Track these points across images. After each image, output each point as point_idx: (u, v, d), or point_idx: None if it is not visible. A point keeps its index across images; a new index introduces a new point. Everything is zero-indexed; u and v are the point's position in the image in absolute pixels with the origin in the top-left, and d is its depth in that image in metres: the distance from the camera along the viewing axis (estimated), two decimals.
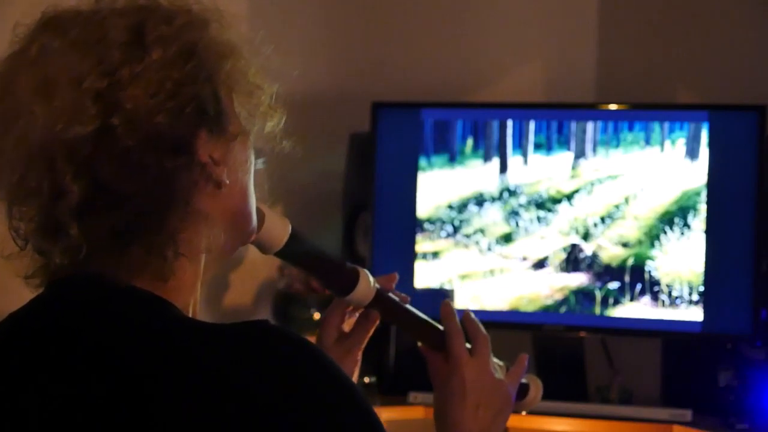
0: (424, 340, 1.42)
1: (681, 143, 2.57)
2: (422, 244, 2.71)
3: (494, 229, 2.68)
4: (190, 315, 1.10)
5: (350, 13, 3.02)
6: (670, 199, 2.57)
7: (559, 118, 2.66)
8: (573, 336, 2.66)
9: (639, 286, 2.58)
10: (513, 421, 1.46)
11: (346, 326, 1.41)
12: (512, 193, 2.67)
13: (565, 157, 2.64)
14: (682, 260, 2.55)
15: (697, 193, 2.55)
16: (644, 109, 2.65)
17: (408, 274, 2.70)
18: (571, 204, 2.64)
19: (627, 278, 2.59)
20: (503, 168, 2.68)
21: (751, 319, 2.49)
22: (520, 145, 2.67)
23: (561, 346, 2.69)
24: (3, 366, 1.05)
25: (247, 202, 1.14)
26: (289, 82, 1.19)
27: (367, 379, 2.57)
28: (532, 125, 2.66)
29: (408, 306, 1.42)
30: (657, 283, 2.57)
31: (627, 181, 2.61)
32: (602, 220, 2.62)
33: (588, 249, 2.63)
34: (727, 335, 2.54)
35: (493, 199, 2.68)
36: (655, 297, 2.57)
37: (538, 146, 2.66)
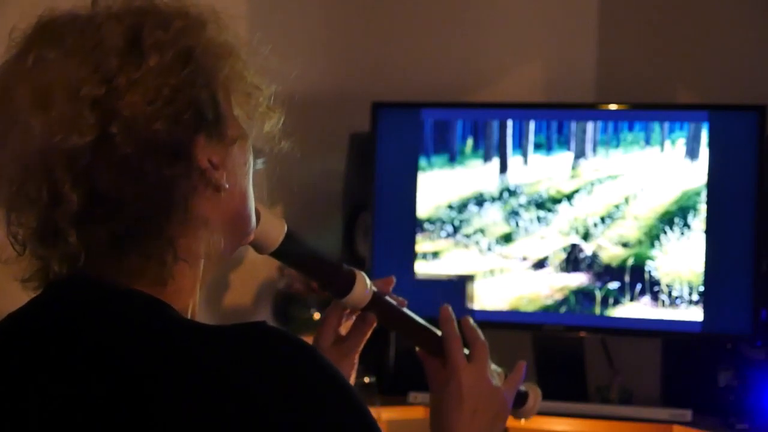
0: (421, 345, 1.41)
1: (681, 143, 2.57)
2: (422, 244, 2.71)
3: (494, 229, 2.68)
4: (189, 317, 1.10)
5: (350, 13, 3.02)
6: (670, 199, 2.57)
7: (559, 118, 2.66)
8: (573, 336, 2.66)
9: (639, 286, 2.58)
10: (512, 421, 1.45)
11: (343, 329, 1.41)
12: (512, 193, 2.67)
13: (565, 157, 2.64)
14: (682, 260, 2.55)
15: (697, 193, 2.55)
16: (644, 109, 2.65)
17: (408, 274, 2.70)
18: (571, 204, 2.64)
19: (627, 278, 2.59)
20: (503, 168, 2.68)
21: (751, 319, 2.49)
22: (520, 145, 2.67)
23: (561, 346, 2.69)
24: (3, 366, 1.05)
25: (247, 204, 1.14)
26: (289, 82, 1.19)
27: (367, 379, 2.57)
28: (532, 125, 2.66)
29: (405, 310, 1.41)
30: (657, 283, 2.57)
31: (627, 181, 2.61)
32: (602, 220, 2.62)
33: (588, 249, 2.63)
34: (727, 335, 2.54)
35: (493, 199, 2.68)
36: (655, 297, 2.57)
37: (538, 146, 2.66)
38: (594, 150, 2.63)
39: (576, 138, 2.64)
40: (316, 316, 2.72)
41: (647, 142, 2.59)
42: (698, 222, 2.54)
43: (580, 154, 2.64)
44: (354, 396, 1.04)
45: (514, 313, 2.66)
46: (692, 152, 2.56)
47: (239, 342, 1.01)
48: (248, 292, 2.88)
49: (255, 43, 1.13)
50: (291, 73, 1.20)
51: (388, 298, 1.40)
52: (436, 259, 2.71)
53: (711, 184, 2.54)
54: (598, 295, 2.61)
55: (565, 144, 2.64)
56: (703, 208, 2.54)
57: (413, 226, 2.72)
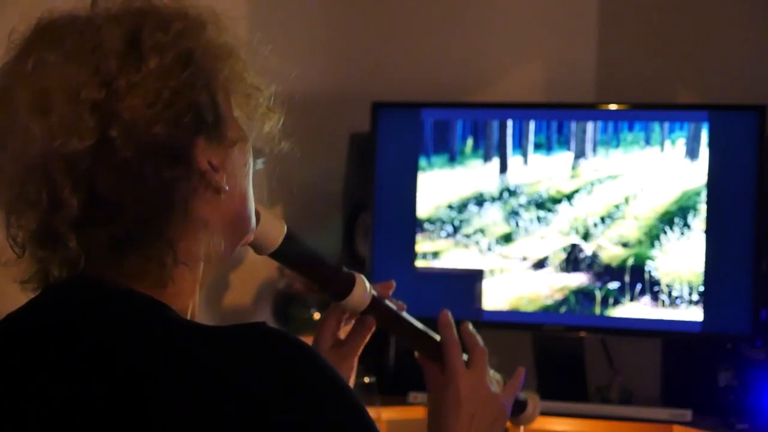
0: (420, 350, 1.41)
1: (681, 143, 2.57)
2: (422, 244, 2.71)
3: (494, 229, 2.68)
4: (189, 318, 1.10)
5: (350, 13, 3.02)
6: (670, 199, 2.57)
7: (559, 118, 2.66)
8: (573, 336, 2.66)
9: (639, 286, 2.58)
10: (512, 428, 1.45)
11: (342, 333, 1.40)
12: (512, 193, 2.67)
13: (565, 157, 2.64)
14: (682, 260, 2.55)
15: (697, 193, 2.55)
16: (644, 109, 2.65)
17: (408, 274, 2.70)
18: (571, 204, 2.64)
19: (627, 278, 2.59)
20: (503, 168, 2.68)
21: (751, 319, 2.49)
22: (520, 145, 2.67)
23: (561, 346, 2.69)
24: (3, 366, 1.05)
25: (247, 205, 1.14)
26: (289, 82, 1.19)
27: (367, 379, 2.57)
28: (532, 125, 2.66)
29: (405, 314, 1.41)
30: (657, 283, 2.57)
31: (627, 181, 2.61)
32: (602, 220, 2.62)
33: (588, 249, 2.63)
34: (727, 335, 2.54)
35: (493, 199, 2.68)
36: (655, 297, 2.57)
37: (538, 146, 2.66)
38: (594, 150, 2.63)
39: (576, 138, 2.64)
40: (316, 316, 2.72)
41: (647, 142, 2.59)
42: (698, 222, 2.54)
43: (580, 154, 2.64)
44: (353, 397, 1.04)
45: (514, 313, 2.66)
46: (692, 152, 2.56)
47: (239, 342, 1.01)
48: (248, 292, 2.88)
49: (255, 44, 1.13)
50: (291, 73, 1.20)
51: (387, 302, 1.39)
52: (436, 259, 2.71)
53: (711, 184, 2.54)
54: (598, 295, 2.61)
55: (565, 144, 2.64)
56: (703, 208, 2.54)
57: (413, 226, 2.72)
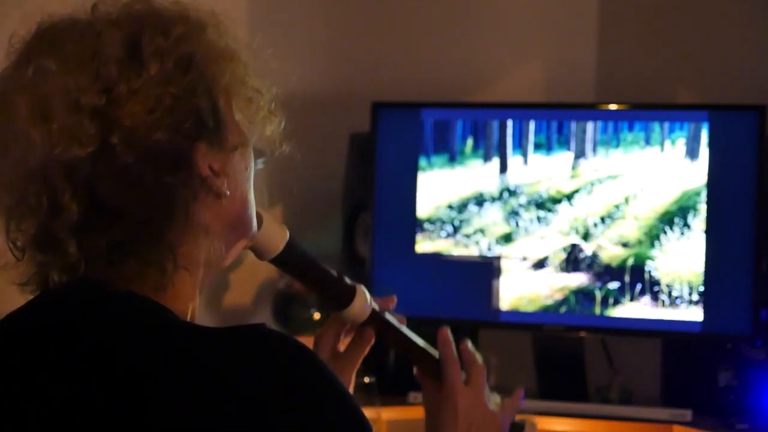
0: (418, 365, 1.40)
1: (681, 143, 2.57)
2: (422, 244, 2.71)
3: (494, 229, 2.68)
4: (189, 320, 1.10)
5: (350, 13, 3.02)
6: (670, 199, 2.57)
7: (559, 118, 2.66)
8: (573, 336, 2.66)
9: (639, 286, 2.58)
10: None
11: (341, 345, 1.40)
12: (512, 193, 2.67)
13: (565, 157, 2.64)
14: (682, 260, 2.55)
15: (697, 193, 2.55)
16: (644, 109, 2.65)
17: (408, 274, 2.70)
18: (571, 204, 2.64)
19: (627, 278, 2.59)
20: (503, 168, 2.68)
21: (751, 319, 2.49)
22: (520, 145, 2.67)
23: (561, 346, 2.68)
24: (3, 366, 1.05)
25: (248, 209, 1.14)
26: (290, 83, 1.19)
27: (367, 379, 2.57)
28: (532, 125, 2.66)
29: (405, 329, 1.40)
30: (657, 283, 2.57)
31: (627, 181, 2.61)
32: (602, 220, 2.62)
33: (588, 249, 2.63)
34: (727, 335, 2.54)
35: (493, 199, 2.68)
36: (655, 297, 2.57)
37: (538, 146, 2.66)
38: (594, 150, 2.63)
39: (576, 138, 2.64)
40: (316, 316, 2.72)
41: (647, 142, 2.59)
42: (698, 222, 2.54)
43: (580, 154, 2.64)
44: (352, 400, 1.05)
45: (514, 313, 2.66)
46: (692, 152, 2.56)
47: (239, 343, 1.01)
48: (248, 292, 2.88)
49: (255, 46, 1.13)
50: (291, 74, 1.20)
51: (388, 315, 1.39)
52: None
53: (711, 184, 2.54)
54: (598, 295, 2.61)
55: (565, 144, 2.64)
56: (703, 208, 2.54)
57: (413, 226, 2.72)
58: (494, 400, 1.39)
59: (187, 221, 1.06)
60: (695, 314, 2.54)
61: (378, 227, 2.71)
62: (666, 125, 2.58)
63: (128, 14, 1.06)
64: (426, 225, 2.71)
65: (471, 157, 2.69)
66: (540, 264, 2.66)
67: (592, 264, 2.62)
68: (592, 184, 2.63)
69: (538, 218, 2.66)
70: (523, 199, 2.66)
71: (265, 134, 1.15)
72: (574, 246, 2.64)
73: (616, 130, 2.62)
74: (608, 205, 2.62)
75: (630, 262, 2.59)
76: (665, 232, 2.57)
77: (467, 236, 2.69)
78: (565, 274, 2.63)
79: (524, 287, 2.66)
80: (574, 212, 2.64)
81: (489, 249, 2.68)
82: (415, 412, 2.57)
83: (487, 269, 2.67)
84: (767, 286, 2.49)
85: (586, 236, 2.63)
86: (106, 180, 1.02)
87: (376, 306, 1.36)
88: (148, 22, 1.06)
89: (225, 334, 1.02)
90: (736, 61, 2.80)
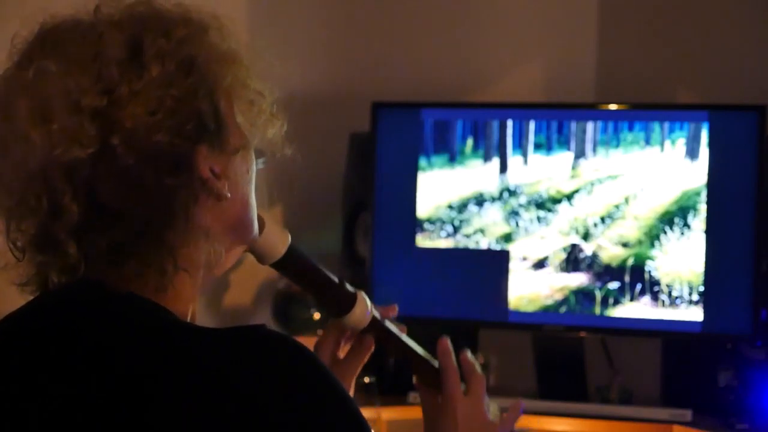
0: (418, 374, 1.40)
1: (681, 143, 2.57)
2: (422, 244, 2.71)
3: (494, 229, 2.68)
4: (189, 321, 1.10)
5: (350, 13, 3.02)
6: (670, 199, 2.57)
7: (559, 118, 2.66)
8: (573, 336, 2.66)
9: (639, 286, 2.58)
10: None
11: (341, 352, 1.39)
12: (512, 193, 2.67)
13: (565, 157, 2.64)
14: (682, 260, 2.55)
15: (697, 193, 2.55)
16: (644, 109, 2.65)
17: (408, 274, 2.70)
18: (571, 204, 2.64)
19: (627, 278, 2.59)
20: (503, 168, 2.68)
21: (751, 319, 2.49)
22: (520, 145, 2.67)
23: (561, 346, 2.68)
24: (3, 366, 1.05)
25: (249, 212, 1.14)
26: (290, 83, 1.19)
27: (367, 379, 2.57)
28: (532, 125, 2.66)
29: (405, 337, 1.39)
30: (657, 283, 2.57)
31: (627, 181, 2.61)
32: (602, 220, 2.62)
33: (588, 249, 2.63)
34: (727, 335, 2.54)
35: (493, 199, 2.68)
36: (655, 297, 2.57)
37: (538, 146, 2.66)
38: (594, 150, 2.63)
39: (576, 138, 2.64)
40: (316, 316, 2.72)
41: (647, 142, 2.59)
42: (698, 222, 2.54)
43: (580, 154, 2.64)
44: (351, 401, 1.05)
45: (514, 313, 2.66)
46: (692, 152, 2.56)
47: (239, 343, 1.01)
48: (248, 292, 2.88)
49: (257, 47, 1.13)
50: (291, 74, 1.19)
51: (388, 323, 1.38)
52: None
53: (711, 184, 2.54)
54: (598, 295, 2.61)
55: (565, 144, 2.64)
56: (703, 208, 2.54)
57: (413, 226, 2.72)
58: (493, 411, 1.39)
59: (188, 223, 1.06)
60: (695, 314, 2.54)
61: (378, 227, 2.71)
62: (666, 125, 2.58)
63: (130, 16, 1.06)
64: (426, 225, 2.71)
65: (471, 157, 2.69)
66: (540, 264, 2.66)
67: (592, 264, 2.62)
68: (592, 184, 2.63)
69: (538, 218, 2.66)
70: (523, 199, 2.66)
71: (267, 137, 1.15)
72: (574, 246, 2.64)
73: (616, 130, 2.62)
74: (608, 205, 2.62)
75: (630, 262, 2.59)
76: (665, 232, 2.57)
77: (467, 236, 2.69)
78: (565, 274, 2.63)
79: (524, 287, 2.66)
80: (574, 212, 2.64)
81: (489, 249, 2.67)
82: (415, 412, 2.56)
83: (488, 268, 2.67)
84: (767, 286, 2.49)
85: (586, 236, 2.63)
86: (106, 181, 1.02)
87: (376, 313, 1.36)
88: (150, 24, 1.06)
89: (225, 334, 1.02)
90: (736, 61, 2.80)
